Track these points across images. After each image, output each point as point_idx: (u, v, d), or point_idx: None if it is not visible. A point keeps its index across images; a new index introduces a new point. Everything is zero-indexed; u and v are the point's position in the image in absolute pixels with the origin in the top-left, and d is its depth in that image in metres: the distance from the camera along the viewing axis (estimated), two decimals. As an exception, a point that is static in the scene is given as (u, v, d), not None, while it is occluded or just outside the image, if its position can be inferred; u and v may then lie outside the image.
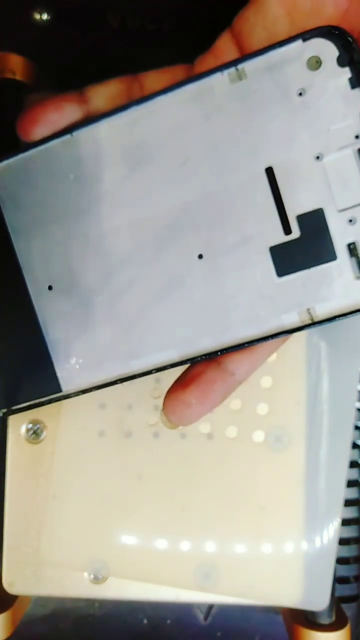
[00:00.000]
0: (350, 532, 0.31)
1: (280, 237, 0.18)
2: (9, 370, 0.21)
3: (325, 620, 0.28)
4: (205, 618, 0.33)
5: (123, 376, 0.20)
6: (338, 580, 0.31)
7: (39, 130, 0.19)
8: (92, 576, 0.28)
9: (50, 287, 0.20)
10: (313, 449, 0.27)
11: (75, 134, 0.19)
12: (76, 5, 0.31)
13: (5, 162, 0.20)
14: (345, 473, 0.27)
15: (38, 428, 0.28)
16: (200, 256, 0.19)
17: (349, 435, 0.27)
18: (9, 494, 0.28)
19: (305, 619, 0.29)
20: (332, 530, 0.27)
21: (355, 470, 0.31)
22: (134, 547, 0.28)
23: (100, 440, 0.28)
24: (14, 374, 0.21)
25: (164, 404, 0.20)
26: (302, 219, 0.18)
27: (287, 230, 0.18)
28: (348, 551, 0.32)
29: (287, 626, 0.30)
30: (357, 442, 0.31)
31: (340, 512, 0.27)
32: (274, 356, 0.27)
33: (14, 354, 0.21)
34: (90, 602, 0.33)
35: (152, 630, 0.33)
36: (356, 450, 0.31)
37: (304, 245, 0.18)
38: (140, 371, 0.20)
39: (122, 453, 0.28)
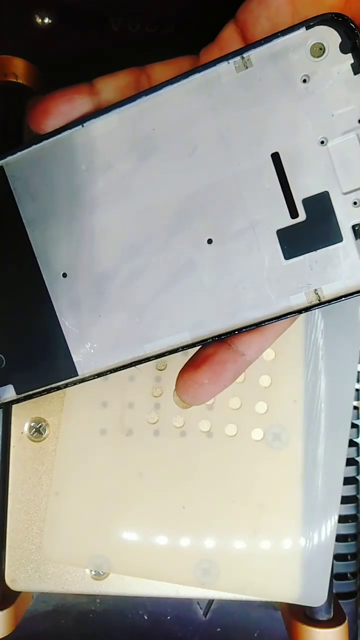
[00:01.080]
0: (347, 529, 0.32)
1: (287, 221, 0.19)
2: (26, 355, 0.21)
3: (323, 617, 0.29)
4: (205, 614, 0.33)
5: (137, 359, 0.20)
6: (336, 576, 0.32)
7: (51, 122, 0.20)
8: (93, 572, 0.29)
9: (64, 275, 0.21)
10: (311, 447, 0.27)
11: (86, 125, 0.20)
12: (77, 9, 0.31)
13: (19, 154, 0.20)
14: (342, 470, 0.28)
15: (41, 426, 0.29)
16: (209, 241, 0.19)
17: (346, 433, 0.28)
18: (12, 492, 0.29)
19: (303, 615, 0.29)
20: (329, 527, 0.28)
21: (352, 468, 0.31)
22: (134, 543, 0.28)
23: (102, 438, 0.28)
24: (30, 360, 0.21)
25: (177, 384, 0.21)
26: (307, 202, 0.18)
27: (293, 213, 0.19)
28: (345, 548, 0.32)
29: (285, 622, 0.31)
30: (354, 439, 0.31)
31: (338, 509, 0.28)
32: (272, 355, 0.28)
33: (30, 340, 0.21)
34: (92, 598, 0.33)
35: (152, 625, 0.33)
36: (353, 448, 0.31)
37: (310, 228, 0.18)
38: (153, 354, 0.20)
39: (123, 451, 0.28)
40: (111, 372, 0.21)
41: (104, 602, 0.33)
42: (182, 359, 0.28)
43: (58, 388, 0.21)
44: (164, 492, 0.28)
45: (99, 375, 0.21)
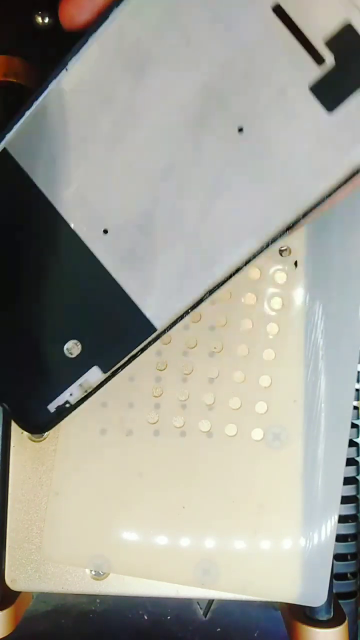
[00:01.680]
0: (347, 529, 0.32)
1: (316, 71, 0.17)
2: (98, 331, 0.21)
3: (323, 617, 0.29)
4: (205, 614, 0.33)
5: (210, 288, 0.19)
6: (336, 576, 0.32)
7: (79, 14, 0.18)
8: (93, 572, 0.29)
9: (105, 231, 0.20)
10: (311, 447, 0.28)
11: (69, 66, 0.18)
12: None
13: (15, 129, 0.19)
14: (342, 470, 0.28)
15: (40, 426, 0.29)
16: (240, 129, 0.18)
17: (346, 433, 0.28)
18: (12, 492, 0.29)
19: (303, 615, 0.29)
20: (329, 527, 0.28)
21: (352, 468, 0.31)
22: (134, 543, 0.28)
23: (102, 438, 0.28)
24: (104, 334, 0.20)
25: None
26: (331, 42, 0.17)
27: (318, 60, 0.17)
28: (345, 548, 0.32)
29: (285, 622, 0.31)
30: (355, 439, 0.31)
31: (338, 509, 0.28)
32: (272, 355, 0.28)
33: (98, 313, 0.20)
34: (92, 598, 0.33)
35: (153, 625, 0.33)
36: (353, 448, 0.31)
37: (343, 68, 0.17)
38: (225, 275, 0.19)
39: (123, 451, 0.28)
40: (188, 313, 0.19)
41: (104, 602, 0.33)
42: (182, 358, 0.28)
43: (142, 350, 0.20)
44: (164, 492, 0.28)
45: (178, 320, 0.20)
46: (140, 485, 0.28)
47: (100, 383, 0.21)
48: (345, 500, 0.31)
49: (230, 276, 0.19)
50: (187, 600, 0.33)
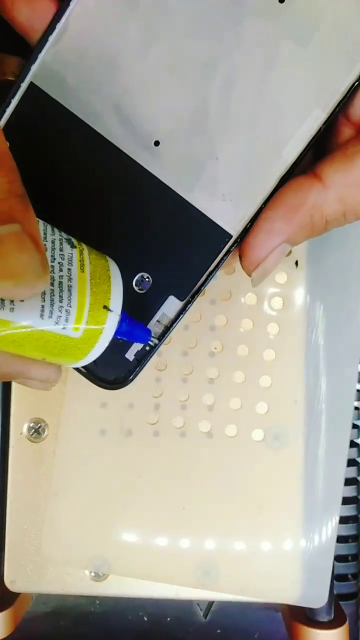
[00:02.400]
0: (348, 530, 0.31)
1: None
2: (171, 255, 0.19)
3: (324, 618, 0.29)
4: (205, 615, 0.33)
5: (282, 173, 0.18)
6: (336, 577, 0.32)
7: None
8: (92, 574, 0.29)
9: (156, 143, 0.19)
10: (311, 448, 0.27)
11: None
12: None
13: (40, 59, 0.18)
14: (343, 471, 0.28)
15: (40, 427, 0.28)
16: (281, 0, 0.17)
17: (347, 434, 0.27)
18: (11, 492, 0.28)
19: (304, 616, 0.29)
20: (330, 528, 0.27)
21: (353, 469, 0.31)
22: (134, 544, 0.28)
23: (101, 439, 0.28)
24: (176, 257, 0.19)
25: (242, 248, 0.19)
26: None
27: None
28: (346, 549, 0.32)
29: (286, 623, 0.31)
30: (355, 440, 0.31)
31: (339, 509, 0.27)
32: (273, 356, 0.28)
33: (165, 236, 0.19)
34: (91, 599, 0.33)
35: (152, 627, 0.33)
36: (354, 449, 0.31)
37: None
38: (296, 155, 0.18)
39: (122, 451, 0.28)
40: (263, 208, 0.18)
41: (104, 603, 0.33)
42: (182, 358, 0.28)
43: (219, 264, 0.19)
44: (164, 492, 0.28)
45: (253, 220, 0.19)
46: (140, 486, 0.28)
47: (180, 313, 0.20)
48: (346, 501, 0.31)
49: (303, 155, 0.18)
50: (187, 602, 0.33)
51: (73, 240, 0.18)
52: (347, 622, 0.29)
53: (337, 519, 0.28)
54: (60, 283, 0.16)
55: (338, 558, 0.31)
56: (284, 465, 0.28)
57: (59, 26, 0.18)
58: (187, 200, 0.19)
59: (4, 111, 0.19)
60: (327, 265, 0.28)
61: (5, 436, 0.29)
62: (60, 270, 0.16)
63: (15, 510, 0.28)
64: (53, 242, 0.17)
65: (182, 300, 0.20)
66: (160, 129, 0.19)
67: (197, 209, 0.19)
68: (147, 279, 0.20)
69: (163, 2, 0.18)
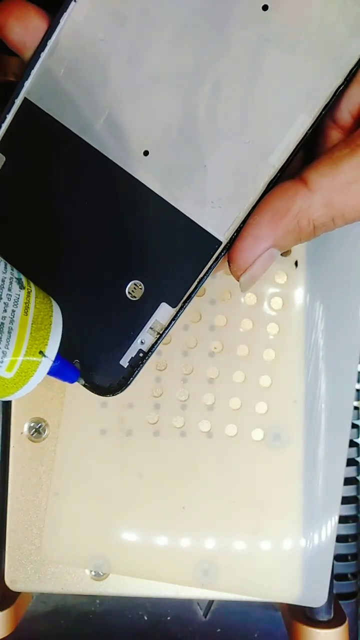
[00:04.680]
0: (347, 529, 0.32)
1: None
2: (162, 263, 0.19)
3: (323, 617, 0.29)
4: (205, 614, 0.33)
5: (269, 179, 0.19)
6: (336, 577, 0.32)
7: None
8: (93, 573, 0.29)
9: (145, 153, 0.19)
10: (311, 447, 0.27)
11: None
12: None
13: (32, 75, 0.19)
14: (342, 471, 0.28)
15: (40, 426, 0.28)
16: (265, 8, 0.18)
17: (346, 434, 0.28)
18: (12, 492, 0.28)
19: (304, 615, 0.29)
20: (330, 528, 0.28)
21: (352, 468, 0.31)
22: (134, 544, 0.28)
23: (101, 439, 0.28)
24: (168, 262, 0.19)
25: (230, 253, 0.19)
26: None
27: None
28: (346, 548, 0.32)
29: (286, 622, 0.31)
30: (355, 440, 0.31)
31: (338, 509, 0.28)
32: (272, 355, 0.28)
33: (156, 244, 0.19)
34: (91, 598, 0.33)
35: (152, 626, 0.33)
36: (354, 448, 0.31)
37: None
38: (282, 160, 0.18)
39: (122, 451, 0.28)
40: (251, 213, 0.19)
41: (104, 602, 0.33)
42: (182, 358, 0.28)
43: (210, 270, 0.19)
44: (164, 492, 0.28)
45: (242, 225, 0.19)
46: (140, 486, 0.28)
47: (172, 320, 0.20)
48: (345, 500, 0.31)
49: (289, 161, 0.18)
50: (187, 601, 0.33)
51: (23, 280, 0.18)
52: (346, 622, 0.29)
53: (337, 518, 0.28)
54: (2, 324, 0.16)
55: (338, 557, 0.31)
56: (284, 464, 0.28)
57: (50, 43, 0.19)
58: (177, 209, 0.19)
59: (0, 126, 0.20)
60: (327, 265, 0.28)
61: (5, 436, 0.29)
62: (5, 310, 0.17)
63: (16, 510, 0.28)
64: (3, 280, 0.17)
65: (174, 307, 0.20)
66: (149, 139, 0.19)
67: (187, 216, 0.19)
68: (139, 287, 0.20)
69: (149, 15, 0.18)
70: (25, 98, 0.19)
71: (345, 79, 0.18)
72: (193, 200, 0.19)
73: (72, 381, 0.20)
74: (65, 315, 0.19)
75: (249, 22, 0.18)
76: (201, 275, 0.20)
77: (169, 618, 0.33)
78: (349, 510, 0.31)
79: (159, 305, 0.20)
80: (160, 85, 0.19)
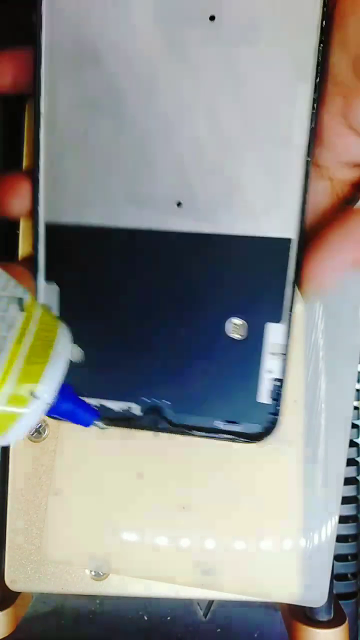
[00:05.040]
0: (348, 529, 0.31)
1: None
2: (250, 284, 0.19)
3: (323, 617, 0.29)
4: (205, 614, 0.33)
5: (304, 155, 0.18)
6: (336, 577, 0.32)
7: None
8: (93, 573, 0.29)
9: (179, 204, 0.19)
10: (311, 447, 0.27)
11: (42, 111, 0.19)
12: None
13: (42, 199, 0.19)
14: (342, 471, 0.27)
15: (40, 426, 0.28)
16: (212, 18, 0.18)
17: (346, 433, 0.27)
18: (12, 492, 0.28)
19: (304, 615, 0.29)
20: (330, 528, 0.27)
21: (352, 468, 0.31)
22: (134, 544, 0.28)
23: (101, 439, 0.28)
24: (253, 284, 0.19)
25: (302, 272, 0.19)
26: None
27: None
28: (346, 548, 0.32)
29: (285, 623, 0.31)
30: (355, 440, 0.31)
31: (338, 509, 0.27)
32: (272, 355, 0.28)
33: (233, 273, 0.19)
34: (92, 598, 0.33)
35: (153, 626, 0.33)
36: (354, 448, 0.31)
37: None
38: (306, 134, 0.18)
39: (123, 451, 0.28)
40: (306, 195, 0.19)
41: (104, 602, 0.33)
42: (182, 359, 0.28)
43: (297, 270, 0.19)
44: (164, 492, 0.28)
45: (303, 211, 0.19)
46: (140, 486, 0.28)
47: (287, 336, 0.19)
48: (345, 500, 0.31)
49: (310, 142, 0.18)
50: (187, 601, 0.33)
51: (25, 301, 0.15)
52: (346, 622, 0.29)
53: (337, 518, 0.28)
54: None
55: (338, 557, 0.31)
56: (284, 464, 0.28)
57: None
58: (235, 235, 0.19)
59: (37, 270, 0.19)
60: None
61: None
62: None
63: (16, 510, 0.28)
64: None
65: (279, 322, 0.19)
66: (175, 190, 0.19)
67: (247, 236, 0.19)
68: (239, 324, 0.20)
69: (116, 95, 0.18)
70: (45, 224, 0.19)
71: (321, 33, 0.18)
72: (244, 219, 0.19)
73: (87, 425, 0.18)
74: (187, 381, 0.18)
75: (204, 38, 0.18)
76: (291, 277, 0.19)
77: (169, 618, 0.33)
78: (349, 510, 0.31)
79: (265, 327, 0.19)
80: (160, 137, 0.19)
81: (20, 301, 0.15)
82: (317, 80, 0.18)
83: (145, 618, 0.33)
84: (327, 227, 0.19)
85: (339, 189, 0.20)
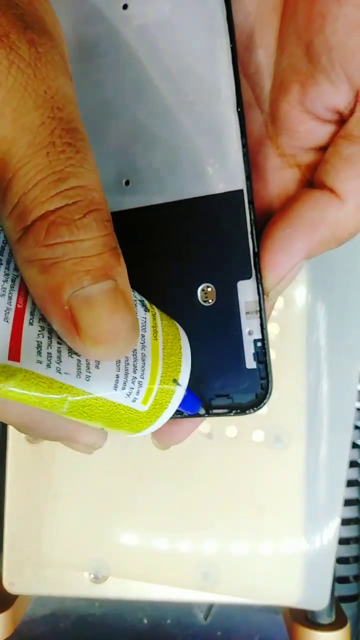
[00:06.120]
0: (350, 531, 0.31)
1: None
2: (210, 248, 0.19)
3: (325, 620, 0.28)
4: (205, 618, 0.33)
5: (235, 105, 0.19)
6: (338, 579, 0.31)
7: None
8: (92, 576, 0.28)
9: (127, 183, 0.19)
10: (313, 449, 0.27)
11: None
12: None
13: None
14: (345, 473, 0.27)
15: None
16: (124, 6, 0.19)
17: (348, 435, 0.27)
18: (10, 494, 0.28)
19: (305, 618, 0.29)
20: (332, 530, 0.27)
21: (355, 470, 0.31)
22: (134, 546, 0.28)
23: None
24: (216, 244, 0.19)
25: None
26: None
27: None
28: (348, 551, 0.31)
29: (287, 626, 0.30)
30: (357, 441, 0.31)
31: (340, 511, 0.27)
32: (273, 356, 0.27)
33: (195, 237, 0.19)
34: (91, 601, 0.33)
35: (152, 629, 0.33)
36: (356, 450, 0.31)
37: None
38: (232, 88, 0.19)
39: (122, 453, 0.28)
40: (245, 143, 0.19)
41: (103, 605, 0.33)
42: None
43: (253, 221, 0.19)
44: (164, 494, 0.28)
45: (246, 157, 0.19)
46: (140, 488, 0.28)
47: (258, 290, 0.18)
48: (347, 502, 0.31)
49: (238, 91, 0.19)
50: (187, 604, 0.33)
51: (146, 302, 0.17)
52: (348, 624, 0.28)
53: (339, 520, 0.27)
54: (135, 351, 0.15)
55: (339, 560, 0.31)
56: (285, 466, 0.27)
57: None
58: (188, 199, 0.19)
59: None
60: (329, 264, 0.27)
61: (4, 438, 0.28)
62: None
63: (14, 512, 0.28)
64: None
65: (250, 279, 0.19)
66: (120, 170, 0.19)
67: (200, 197, 0.19)
68: (208, 289, 0.19)
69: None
70: None
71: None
72: (191, 181, 0.19)
73: (194, 411, 0.18)
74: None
75: (112, 21, 0.19)
76: (250, 229, 0.19)
77: (168, 621, 0.33)
78: (351, 512, 0.31)
79: (236, 288, 0.19)
80: (97, 122, 0.19)
81: (142, 302, 0.16)
82: (230, 30, 0.18)
83: (145, 621, 0.33)
84: (279, 215, 0.19)
85: (308, 174, 0.20)
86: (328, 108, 0.18)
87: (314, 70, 0.17)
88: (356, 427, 0.30)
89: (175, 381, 0.16)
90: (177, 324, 0.17)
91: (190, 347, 0.18)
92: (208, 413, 0.19)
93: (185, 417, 0.18)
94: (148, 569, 0.28)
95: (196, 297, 0.19)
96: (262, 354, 0.19)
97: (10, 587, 0.28)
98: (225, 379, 0.19)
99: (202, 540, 0.28)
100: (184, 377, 0.16)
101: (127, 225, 0.19)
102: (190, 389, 0.17)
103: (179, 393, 0.16)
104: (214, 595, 0.28)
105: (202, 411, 0.19)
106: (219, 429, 0.28)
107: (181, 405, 0.17)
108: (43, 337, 0.14)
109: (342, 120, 0.18)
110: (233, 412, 0.19)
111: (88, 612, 0.33)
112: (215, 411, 0.19)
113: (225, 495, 0.28)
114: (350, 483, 0.31)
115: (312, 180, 0.19)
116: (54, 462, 0.28)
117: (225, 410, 0.19)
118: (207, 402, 0.19)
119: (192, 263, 0.19)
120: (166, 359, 0.16)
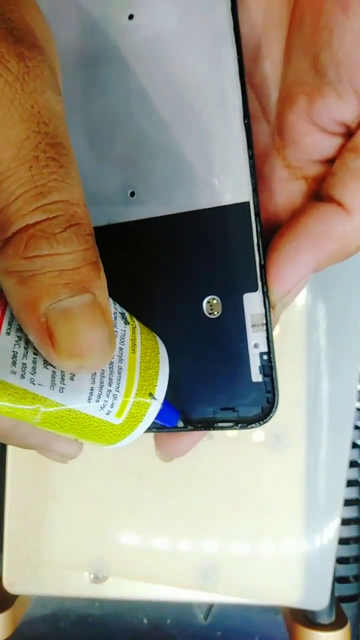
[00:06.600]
0: (350, 531, 0.31)
1: None
2: (216, 260, 0.19)
3: (325, 620, 0.28)
4: (205, 618, 0.33)
5: (241, 116, 0.19)
6: (338, 580, 0.31)
7: None
8: (92, 576, 0.28)
9: (132, 194, 0.19)
10: (313, 449, 0.27)
11: None
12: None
13: None
14: (345, 473, 0.27)
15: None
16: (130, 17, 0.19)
17: (348, 435, 0.27)
18: (9, 494, 0.28)
19: (305, 618, 0.29)
20: (332, 530, 0.27)
21: (355, 470, 0.31)
22: (134, 546, 0.28)
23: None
24: (222, 257, 0.19)
25: None
26: None
27: None
28: (348, 551, 0.31)
29: (287, 626, 0.30)
30: (357, 441, 0.31)
31: (340, 511, 0.27)
32: (274, 356, 0.27)
33: (202, 249, 0.19)
34: (91, 601, 0.33)
35: (152, 629, 0.33)
36: (356, 450, 0.31)
37: None
38: (238, 95, 0.19)
39: (122, 453, 0.28)
40: (252, 154, 0.19)
41: (103, 605, 0.33)
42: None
43: (260, 234, 0.19)
44: (164, 494, 0.28)
45: (253, 170, 0.19)
46: (140, 488, 0.28)
47: (264, 302, 0.18)
48: (348, 502, 0.31)
49: (245, 101, 0.19)
50: (187, 604, 0.33)
51: (127, 315, 0.17)
52: (348, 624, 0.28)
53: (339, 520, 0.27)
54: (111, 363, 0.15)
55: (339, 560, 0.31)
56: (285, 466, 0.27)
57: None
58: (192, 211, 0.19)
59: None
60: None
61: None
62: None
63: (14, 512, 0.28)
64: None
65: (256, 291, 0.18)
66: (126, 182, 0.19)
67: (205, 209, 0.19)
68: (214, 301, 0.19)
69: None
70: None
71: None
72: (197, 193, 0.19)
73: (172, 424, 0.18)
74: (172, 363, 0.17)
75: (118, 32, 0.19)
76: (256, 241, 0.18)
77: (168, 621, 0.33)
78: (351, 512, 0.31)
79: (242, 300, 0.19)
80: (103, 133, 0.19)
81: (123, 315, 0.16)
82: (237, 41, 0.18)
83: (145, 621, 0.33)
84: (285, 227, 0.19)
85: (315, 186, 0.20)
86: (335, 121, 0.18)
87: (321, 83, 0.17)
88: (356, 427, 0.30)
89: (151, 395, 0.16)
90: (158, 337, 0.17)
91: (196, 359, 0.18)
92: (213, 427, 0.19)
93: (168, 430, 0.18)
94: (148, 569, 0.28)
95: (202, 310, 0.19)
96: (268, 367, 0.19)
97: (10, 587, 0.28)
98: (231, 392, 0.19)
99: (202, 540, 0.28)
100: (161, 391, 0.16)
101: (132, 236, 0.19)
102: (168, 401, 0.17)
103: (155, 407, 0.16)
104: (214, 595, 0.28)
105: (180, 423, 0.19)
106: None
107: (158, 418, 0.17)
108: (19, 347, 0.14)
109: (349, 133, 0.18)
110: (239, 425, 0.19)
111: (88, 612, 0.33)
112: (220, 425, 0.19)
113: (225, 495, 0.27)
114: (350, 483, 0.31)
115: (319, 192, 0.19)
116: (54, 462, 0.28)
117: (230, 424, 0.19)
118: (212, 415, 0.19)
119: (197, 275, 0.19)
120: (143, 372, 0.16)
